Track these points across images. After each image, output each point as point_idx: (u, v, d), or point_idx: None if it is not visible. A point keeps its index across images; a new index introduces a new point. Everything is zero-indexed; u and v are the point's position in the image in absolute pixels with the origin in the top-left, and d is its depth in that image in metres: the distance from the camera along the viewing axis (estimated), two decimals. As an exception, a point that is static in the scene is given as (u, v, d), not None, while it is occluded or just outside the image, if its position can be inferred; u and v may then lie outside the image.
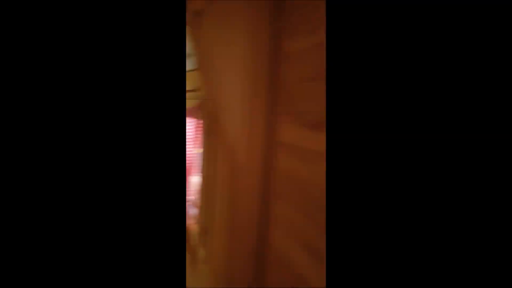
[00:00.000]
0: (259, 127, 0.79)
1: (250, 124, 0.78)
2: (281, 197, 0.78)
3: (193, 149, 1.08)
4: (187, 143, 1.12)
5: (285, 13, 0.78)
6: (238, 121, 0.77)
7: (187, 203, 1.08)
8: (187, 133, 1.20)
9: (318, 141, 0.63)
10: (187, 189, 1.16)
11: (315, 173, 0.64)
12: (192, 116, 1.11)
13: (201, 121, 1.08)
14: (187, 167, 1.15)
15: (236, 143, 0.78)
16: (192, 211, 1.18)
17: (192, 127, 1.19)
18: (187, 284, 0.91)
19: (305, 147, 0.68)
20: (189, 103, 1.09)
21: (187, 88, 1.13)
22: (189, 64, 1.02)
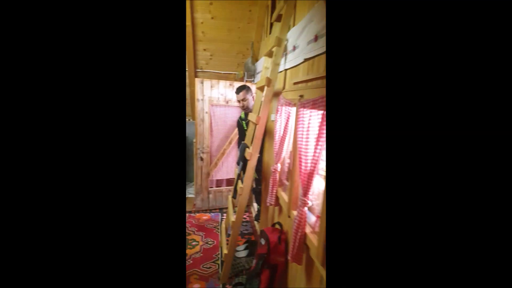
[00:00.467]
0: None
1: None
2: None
3: (318, 147, 0.85)
4: (310, 139, 0.89)
5: None
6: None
7: (306, 208, 0.99)
8: (311, 128, 0.96)
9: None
10: (308, 193, 0.96)
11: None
12: (318, 107, 0.89)
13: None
14: (310, 169, 0.90)
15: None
16: (311, 219, 1.07)
17: (316, 120, 0.95)
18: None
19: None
20: (316, 92, 0.91)
21: (316, 74, 1.05)
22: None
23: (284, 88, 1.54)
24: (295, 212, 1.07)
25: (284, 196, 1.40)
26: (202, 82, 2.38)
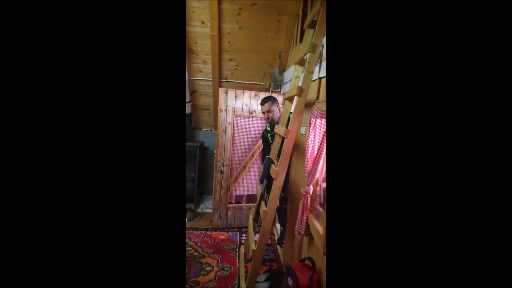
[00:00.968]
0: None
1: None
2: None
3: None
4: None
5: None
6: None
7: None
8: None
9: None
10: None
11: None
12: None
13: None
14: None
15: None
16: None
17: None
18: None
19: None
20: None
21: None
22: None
23: (318, 98, 1.35)
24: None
25: (317, 226, 1.17)
26: (226, 92, 2.28)
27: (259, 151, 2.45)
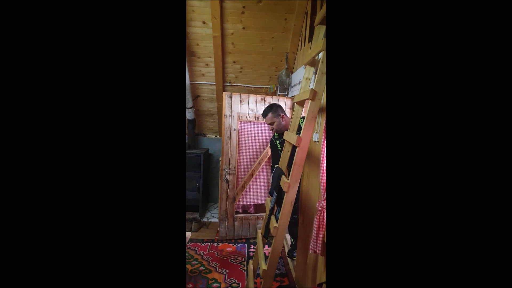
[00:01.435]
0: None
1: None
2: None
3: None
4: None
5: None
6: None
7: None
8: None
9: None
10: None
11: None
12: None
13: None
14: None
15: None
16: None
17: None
18: None
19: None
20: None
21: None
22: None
23: (332, 102, 1.22)
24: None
25: (336, 247, 1.03)
26: (230, 97, 2.17)
27: (267, 158, 2.32)
